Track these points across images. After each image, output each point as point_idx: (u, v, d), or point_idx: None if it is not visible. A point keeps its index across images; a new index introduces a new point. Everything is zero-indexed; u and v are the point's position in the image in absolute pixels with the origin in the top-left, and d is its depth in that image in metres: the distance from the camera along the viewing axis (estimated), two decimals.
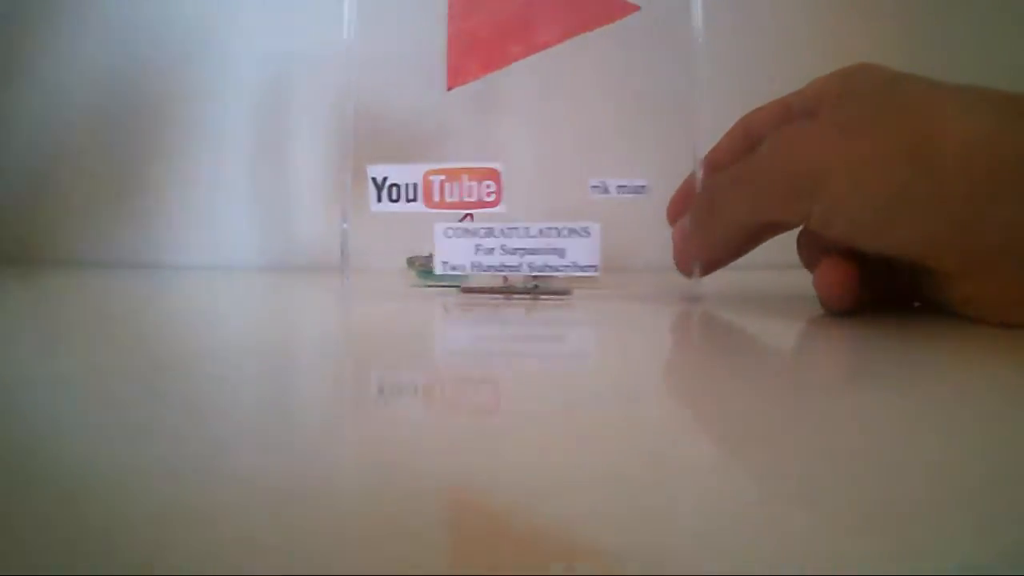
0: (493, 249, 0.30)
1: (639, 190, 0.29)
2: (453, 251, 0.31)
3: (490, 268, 0.30)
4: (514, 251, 0.30)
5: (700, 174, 0.29)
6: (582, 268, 0.30)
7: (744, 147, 0.29)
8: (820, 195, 0.24)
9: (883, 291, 0.27)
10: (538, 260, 0.30)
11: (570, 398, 0.15)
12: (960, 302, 0.24)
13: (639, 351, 0.23)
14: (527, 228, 0.30)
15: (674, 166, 0.30)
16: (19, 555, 0.07)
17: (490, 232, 0.30)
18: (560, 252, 0.30)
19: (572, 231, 0.30)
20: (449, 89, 0.30)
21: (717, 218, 0.28)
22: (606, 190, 0.29)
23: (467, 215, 0.31)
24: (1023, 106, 0.24)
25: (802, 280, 0.34)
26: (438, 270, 0.31)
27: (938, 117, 0.23)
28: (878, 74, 0.27)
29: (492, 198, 0.30)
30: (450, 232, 0.31)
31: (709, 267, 0.29)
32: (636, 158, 0.31)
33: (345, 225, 0.32)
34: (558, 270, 0.30)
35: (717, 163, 0.29)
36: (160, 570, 0.07)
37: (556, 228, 0.30)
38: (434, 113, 0.37)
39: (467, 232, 0.31)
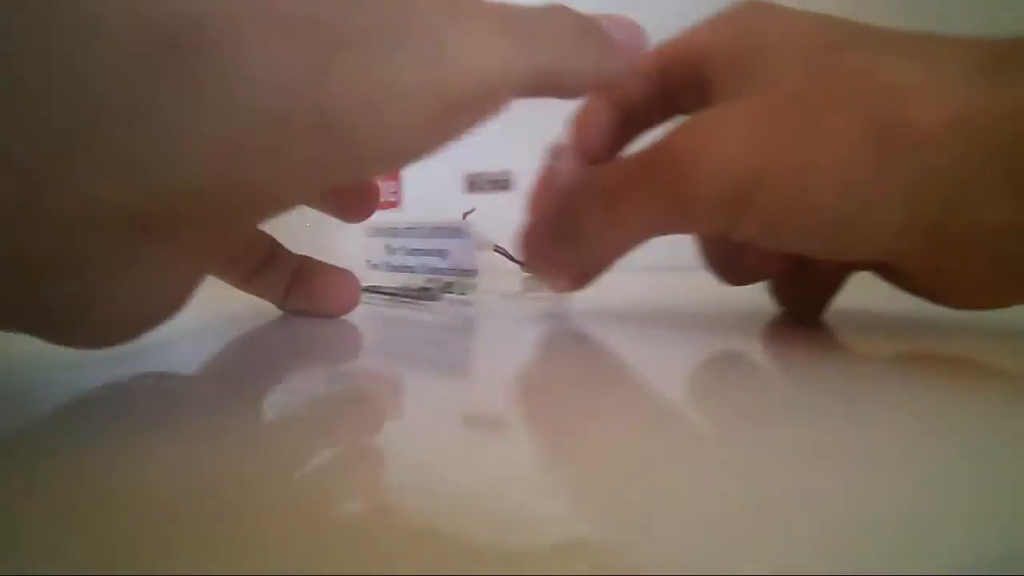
0: (397, 249, 0.30)
1: (506, 185, 0.26)
2: (372, 250, 0.32)
3: (394, 268, 0.30)
4: (411, 251, 0.30)
5: (561, 163, 0.24)
6: (463, 271, 0.28)
7: (616, 122, 0.23)
8: (758, 203, 0.18)
9: (836, 289, 0.24)
10: (429, 261, 0.29)
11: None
12: (923, 292, 0.21)
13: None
14: (417, 229, 0.29)
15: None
16: None
17: (395, 232, 0.30)
18: (442, 254, 0.28)
19: (452, 231, 0.28)
20: None
21: (598, 231, 0.21)
22: (480, 187, 0.27)
23: (468, 211, 0.32)
24: (1005, 57, 0.18)
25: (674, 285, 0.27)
26: (364, 268, 0.32)
27: (906, 91, 0.18)
28: (787, 25, 0.21)
29: (395, 198, 0.30)
30: (371, 232, 0.32)
31: (583, 281, 0.25)
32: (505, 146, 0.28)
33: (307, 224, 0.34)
34: (443, 273, 0.28)
35: (588, 144, 0.24)
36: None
37: (437, 228, 0.28)
38: None
39: (380, 232, 0.31)
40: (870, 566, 0.08)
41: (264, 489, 0.10)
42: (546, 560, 0.08)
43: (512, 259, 0.40)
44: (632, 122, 0.23)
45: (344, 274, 0.25)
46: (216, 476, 0.10)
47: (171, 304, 0.16)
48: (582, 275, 0.24)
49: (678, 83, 0.22)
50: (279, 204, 0.16)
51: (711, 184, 0.19)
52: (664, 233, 0.21)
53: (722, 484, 0.10)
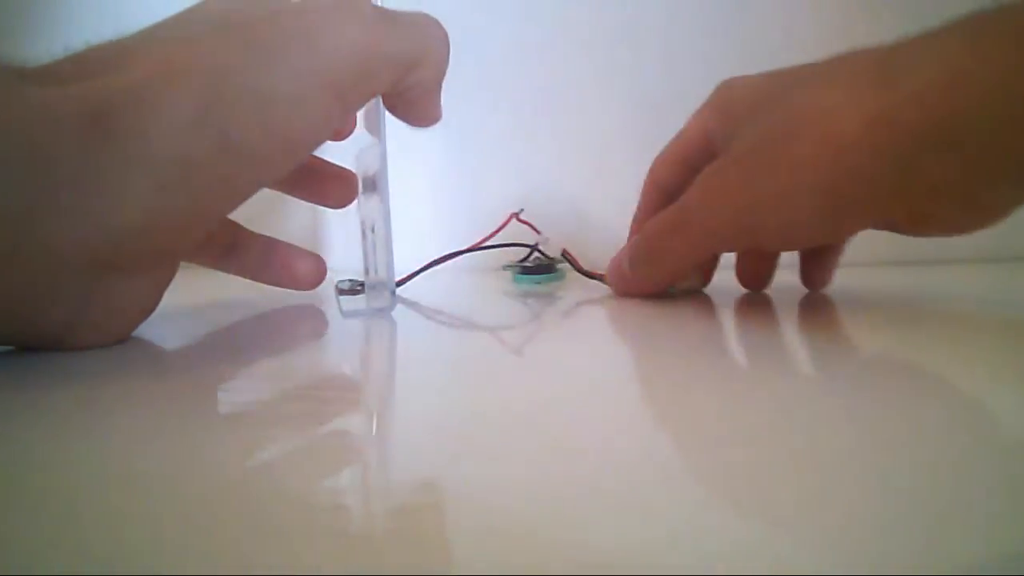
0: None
1: (372, 186, 0.26)
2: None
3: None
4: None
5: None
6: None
7: (661, 201, 0.32)
8: (759, 230, 0.27)
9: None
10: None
11: None
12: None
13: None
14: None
15: None
16: None
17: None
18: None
19: (367, 233, 0.29)
20: None
21: (661, 262, 0.30)
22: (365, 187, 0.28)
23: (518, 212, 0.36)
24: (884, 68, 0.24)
25: None
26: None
27: (806, 118, 0.25)
28: (747, 91, 0.29)
29: None
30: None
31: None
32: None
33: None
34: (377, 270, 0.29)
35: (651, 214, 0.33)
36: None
37: (362, 230, 0.29)
38: None
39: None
40: (878, 566, 0.07)
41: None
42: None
43: (574, 266, 0.37)
44: (667, 195, 0.32)
45: (308, 255, 0.30)
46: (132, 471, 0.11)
47: (145, 309, 0.21)
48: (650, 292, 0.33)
49: (698, 163, 0.30)
50: (207, 222, 0.21)
51: (723, 218, 0.28)
52: (708, 256, 0.33)
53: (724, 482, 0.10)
